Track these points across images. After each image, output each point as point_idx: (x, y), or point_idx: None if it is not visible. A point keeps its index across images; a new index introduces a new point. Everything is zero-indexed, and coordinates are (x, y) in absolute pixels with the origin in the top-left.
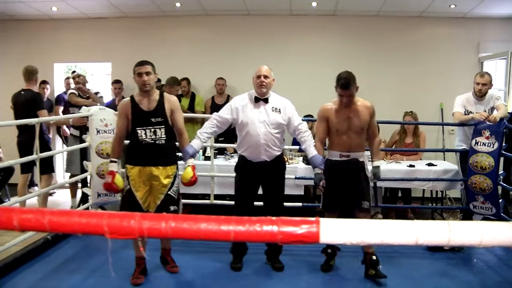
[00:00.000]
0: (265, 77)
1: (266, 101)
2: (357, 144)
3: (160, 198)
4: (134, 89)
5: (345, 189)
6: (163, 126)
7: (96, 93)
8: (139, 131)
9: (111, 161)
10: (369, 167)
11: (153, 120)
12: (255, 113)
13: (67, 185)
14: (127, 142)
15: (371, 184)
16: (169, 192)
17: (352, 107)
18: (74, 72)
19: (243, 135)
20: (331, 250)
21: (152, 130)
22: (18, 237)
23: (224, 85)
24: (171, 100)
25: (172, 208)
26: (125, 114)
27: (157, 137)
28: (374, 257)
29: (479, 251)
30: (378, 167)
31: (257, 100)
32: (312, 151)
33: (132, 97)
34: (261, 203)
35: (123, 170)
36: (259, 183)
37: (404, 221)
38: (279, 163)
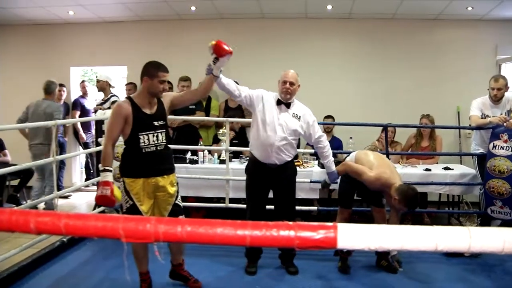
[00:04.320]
0: (291, 84)
1: (288, 106)
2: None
3: (167, 210)
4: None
5: (365, 187)
6: (164, 130)
7: (112, 96)
8: (141, 137)
9: (105, 170)
10: None
11: (156, 123)
12: (275, 115)
13: (83, 188)
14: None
15: None
16: (176, 202)
17: None
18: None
19: (258, 134)
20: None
21: (155, 135)
22: (35, 239)
23: None
24: (165, 98)
25: (181, 218)
26: (124, 116)
27: (159, 142)
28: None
29: (497, 257)
30: None
31: (279, 103)
32: (331, 168)
33: (131, 99)
34: (272, 207)
35: (118, 183)
36: (269, 187)
37: (423, 226)
38: (289, 168)
